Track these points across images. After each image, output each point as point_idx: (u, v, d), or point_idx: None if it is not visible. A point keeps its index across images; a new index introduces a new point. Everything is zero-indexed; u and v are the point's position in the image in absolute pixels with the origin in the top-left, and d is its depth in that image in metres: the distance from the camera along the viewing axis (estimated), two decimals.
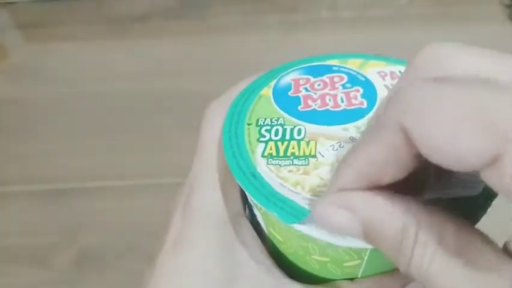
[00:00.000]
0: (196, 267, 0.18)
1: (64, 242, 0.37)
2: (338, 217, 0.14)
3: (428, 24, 0.56)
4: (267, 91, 0.21)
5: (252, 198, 0.17)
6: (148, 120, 0.46)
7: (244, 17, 0.58)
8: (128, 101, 0.48)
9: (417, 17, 0.57)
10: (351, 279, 0.19)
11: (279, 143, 0.19)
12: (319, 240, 0.17)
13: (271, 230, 0.19)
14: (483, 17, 0.56)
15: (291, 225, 0.16)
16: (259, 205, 0.17)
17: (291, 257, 0.19)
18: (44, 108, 0.49)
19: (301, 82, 0.22)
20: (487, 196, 0.17)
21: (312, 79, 0.22)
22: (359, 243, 0.16)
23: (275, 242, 0.20)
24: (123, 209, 0.39)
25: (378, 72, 0.22)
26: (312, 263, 0.19)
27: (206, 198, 0.19)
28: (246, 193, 0.18)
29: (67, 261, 0.36)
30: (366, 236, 0.14)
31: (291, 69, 0.23)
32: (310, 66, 0.23)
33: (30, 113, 0.49)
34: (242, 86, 0.22)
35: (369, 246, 0.16)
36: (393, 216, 0.13)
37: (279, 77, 0.22)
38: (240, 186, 0.20)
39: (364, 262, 0.18)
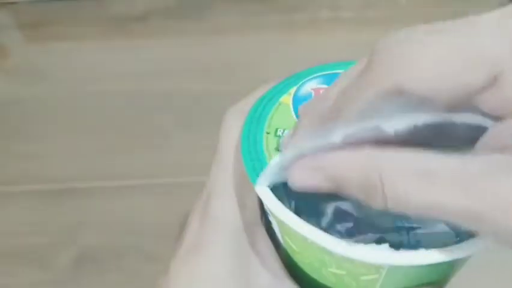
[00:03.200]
0: (210, 275, 0.18)
1: (64, 242, 0.37)
2: (311, 180, 0.14)
3: None
4: (287, 98, 0.21)
5: (269, 207, 0.17)
6: (148, 120, 0.46)
7: (244, 17, 0.58)
8: (128, 101, 0.48)
9: (417, 17, 0.57)
10: None
11: None
12: (335, 253, 0.16)
13: (287, 239, 0.19)
14: None
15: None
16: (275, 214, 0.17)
17: (306, 268, 0.19)
18: (44, 108, 0.49)
19: (321, 92, 0.21)
20: None
21: None
22: (374, 259, 0.15)
23: (290, 252, 0.19)
24: (123, 209, 0.39)
25: None
26: (329, 275, 0.18)
27: (223, 207, 0.19)
28: (263, 201, 0.18)
29: (67, 261, 0.36)
30: (339, 190, 0.14)
31: (311, 76, 0.22)
32: (330, 74, 0.22)
33: (31, 112, 0.49)
34: (261, 91, 0.21)
35: (387, 263, 0.16)
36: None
37: (298, 85, 0.21)
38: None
39: (382, 277, 0.17)
